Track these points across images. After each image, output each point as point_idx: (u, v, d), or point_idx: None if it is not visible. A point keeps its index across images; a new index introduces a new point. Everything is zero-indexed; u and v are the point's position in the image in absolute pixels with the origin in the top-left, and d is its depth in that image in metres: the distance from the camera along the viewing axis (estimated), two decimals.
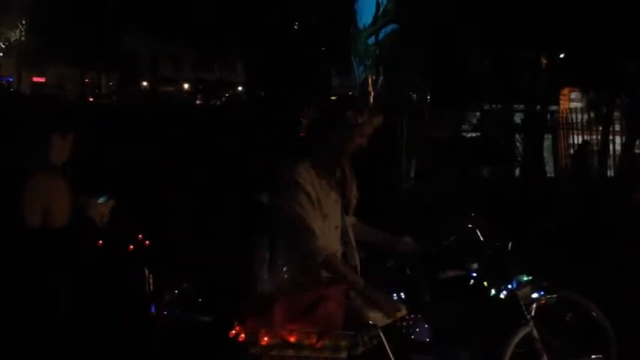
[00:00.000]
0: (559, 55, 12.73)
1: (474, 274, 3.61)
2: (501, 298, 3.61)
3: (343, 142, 2.95)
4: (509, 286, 3.58)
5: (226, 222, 7.84)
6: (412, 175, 10.01)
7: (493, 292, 3.61)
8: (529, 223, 8.00)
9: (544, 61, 12.85)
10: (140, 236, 3.70)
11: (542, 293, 3.65)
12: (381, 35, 18.57)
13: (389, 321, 2.99)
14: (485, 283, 3.61)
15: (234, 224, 7.53)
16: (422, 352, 3.44)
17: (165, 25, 27.70)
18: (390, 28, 17.72)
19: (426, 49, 13.20)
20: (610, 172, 11.13)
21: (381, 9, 18.22)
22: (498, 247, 3.73)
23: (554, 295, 3.69)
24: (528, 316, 3.55)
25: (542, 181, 12.18)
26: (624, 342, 3.79)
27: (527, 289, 3.57)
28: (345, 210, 3.12)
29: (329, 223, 2.98)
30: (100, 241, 3.26)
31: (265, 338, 2.80)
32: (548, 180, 12.52)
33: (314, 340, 2.80)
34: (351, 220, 3.24)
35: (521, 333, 3.52)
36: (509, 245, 3.73)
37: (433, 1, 12.90)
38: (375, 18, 18.98)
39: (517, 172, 12.95)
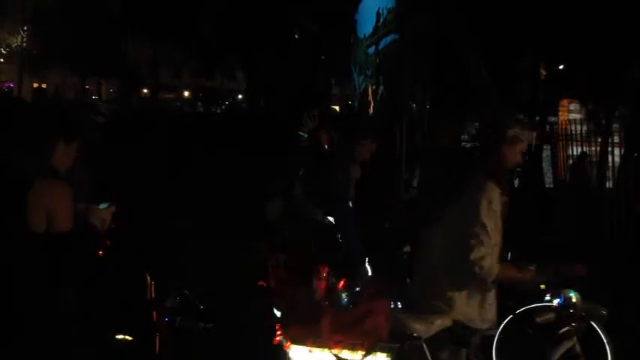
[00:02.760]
0: (558, 66, 12.78)
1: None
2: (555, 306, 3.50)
3: (511, 157, 3.12)
4: (558, 299, 3.51)
5: (228, 229, 7.86)
6: (415, 184, 10.01)
7: (548, 297, 3.56)
8: (528, 234, 8.00)
9: (543, 72, 12.89)
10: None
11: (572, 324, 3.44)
12: (382, 45, 18.58)
13: (432, 332, 3.02)
14: (542, 287, 3.53)
15: (236, 231, 7.55)
16: None
17: (166, 32, 27.75)
18: (390, 38, 17.73)
19: (426, 60, 13.24)
20: (609, 184, 11.15)
21: (382, 19, 18.24)
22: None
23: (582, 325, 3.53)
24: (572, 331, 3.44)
25: (541, 191, 12.19)
26: (623, 353, 3.78)
27: (549, 316, 3.43)
28: None
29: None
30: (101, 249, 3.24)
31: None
32: (547, 191, 12.53)
33: (361, 352, 2.84)
34: None
35: (564, 347, 3.46)
36: (509, 256, 3.73)
37: (435, 13, 12.95)
38: (376, 28, 19.00)
39: (516, 182, 12.96)
